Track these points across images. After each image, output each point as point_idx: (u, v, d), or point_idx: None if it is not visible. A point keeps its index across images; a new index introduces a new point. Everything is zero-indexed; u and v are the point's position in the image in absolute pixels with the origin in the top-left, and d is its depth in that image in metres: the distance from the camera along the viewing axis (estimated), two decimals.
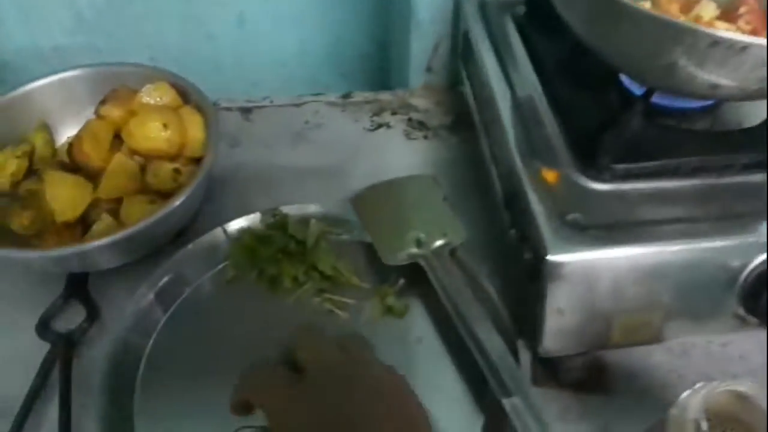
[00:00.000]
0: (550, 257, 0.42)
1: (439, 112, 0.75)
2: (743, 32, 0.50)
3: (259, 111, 0.76)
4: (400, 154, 0.70)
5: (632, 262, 0.43)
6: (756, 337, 0.53)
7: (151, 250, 0.57)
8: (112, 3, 0.79)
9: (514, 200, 0.49)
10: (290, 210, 0.61)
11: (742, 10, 0.52)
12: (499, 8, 0.64)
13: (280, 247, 0.58)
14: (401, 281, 0.57)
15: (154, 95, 0.63)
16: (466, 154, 0.69)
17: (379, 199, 0.61)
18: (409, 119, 0.74)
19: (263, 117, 0.76)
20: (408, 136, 0.72)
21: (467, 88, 0.66)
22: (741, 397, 0.41)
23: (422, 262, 0.55)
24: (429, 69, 0.76)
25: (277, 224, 0.59)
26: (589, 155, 0.48)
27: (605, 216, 0.45)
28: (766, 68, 0.40)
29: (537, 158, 0.49)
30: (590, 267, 0.43)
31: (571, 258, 0.42)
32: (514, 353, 0.48)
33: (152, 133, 0.60)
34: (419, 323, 0.55)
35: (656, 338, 0.49)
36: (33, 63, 0.81)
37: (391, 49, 0.81)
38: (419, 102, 0.77)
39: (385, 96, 0.78)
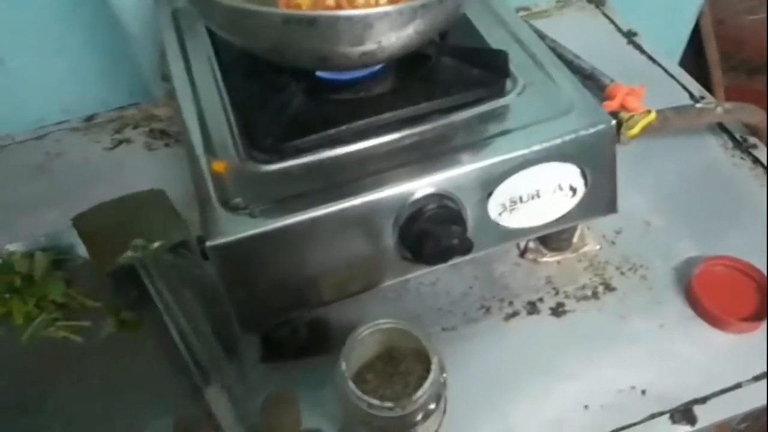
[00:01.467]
0: (209, 242, 0.45)
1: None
2: None
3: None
4: (141, 167, 0.71)
5: (292, 231, 0.47)
6: (456, 270, 0.59)
7: None
8: None
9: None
10: (16, 247, 0.60)
11: None
12: (192, 15, 0.66)
13: (5, 286, 0.58)
14: (134, 293, 0.58)
15: None
16: None
17: (102, 217, 0.62)
18: (151, 130, 0.75)
19: (4, 155, 0.74)
20: (149, 147, 0.73)
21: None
22: (388, 330, 0.46)
23: (137, 264, 0.57)
24: (165, 77, 0.77)
25: (3, 264, 0.59)
26: (255, 140, 0.51)
27: (269, 194, 0.48)
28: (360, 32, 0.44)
29: (213, 152, 0.52)
30: (252, 244, 0.46)
31: (229, 240, 0.45)
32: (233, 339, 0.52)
33: None
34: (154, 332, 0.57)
35: (362, 288, 0.53)
36: None
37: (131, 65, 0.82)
38: (163, 112, 0.78)
39: (129, 111, 0.78)
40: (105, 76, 0.86)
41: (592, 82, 0.75)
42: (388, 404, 0.41)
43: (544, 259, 0.60)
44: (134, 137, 0.75)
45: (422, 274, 0.53)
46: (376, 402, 0.41)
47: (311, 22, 0.42)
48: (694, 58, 1.10)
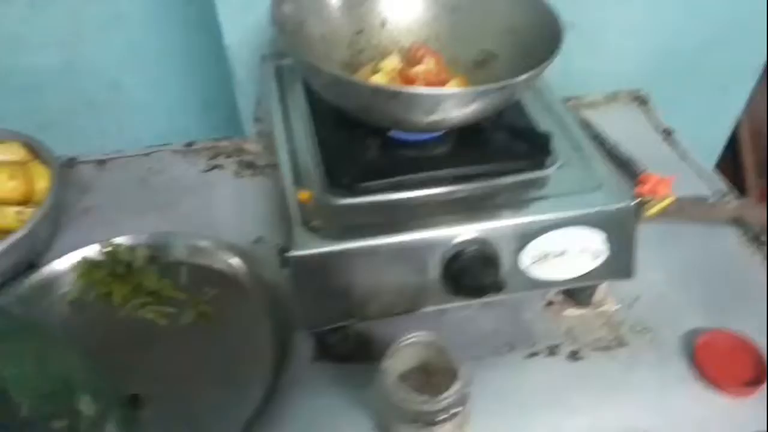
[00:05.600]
0: (290, 253, 0.56)
1: (266, 154, 0.89)
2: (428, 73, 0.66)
3: (112, 162, 0.89)
4: (229, 189, 0.84)
5: (356, 254, 0.57)
6: (488, 310, 0.68)
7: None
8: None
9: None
10: (123, 240, 0.73)
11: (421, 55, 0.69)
12: (292, 72, 0.79)
13: (110, 270, 0.70)
14: (213, 292, 0.70)
15: (4, 152, 0.75)
16: None
17: None
18: (241, 161, 0.88)
19: (115, 167, 0.88)
20: (237, 175, 0.86)
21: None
22: (427, 344, 0.55)
23: None
24: (257, 119, 0.91)
25: (110, 253, 0.71)
26: (334, 178, 0.62)
27: (341, 222, 0.59)
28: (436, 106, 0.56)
29: (300, 183, 0.63)
30: (323, 259, 0.57)
31: (305, 253, 0.56)
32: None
33: None
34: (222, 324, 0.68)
35: (406, 310, 0.62)
36: None
37: (229, 105, 0.95)
38: (252, 147, 0.91)
39: (223, 143, 0.91)
40: (205, 110, 1.01)
41: (627, 168, 0.84)
42: (422, 397, 0.50)
43: (566, 313, 0.69)
44: (226, 165, 0.87)
45: (459, 306, 0.63)
46: (412, 394, 0.51)
47: (394, 95, 0.54)
48: (731, 163, 1.19)
